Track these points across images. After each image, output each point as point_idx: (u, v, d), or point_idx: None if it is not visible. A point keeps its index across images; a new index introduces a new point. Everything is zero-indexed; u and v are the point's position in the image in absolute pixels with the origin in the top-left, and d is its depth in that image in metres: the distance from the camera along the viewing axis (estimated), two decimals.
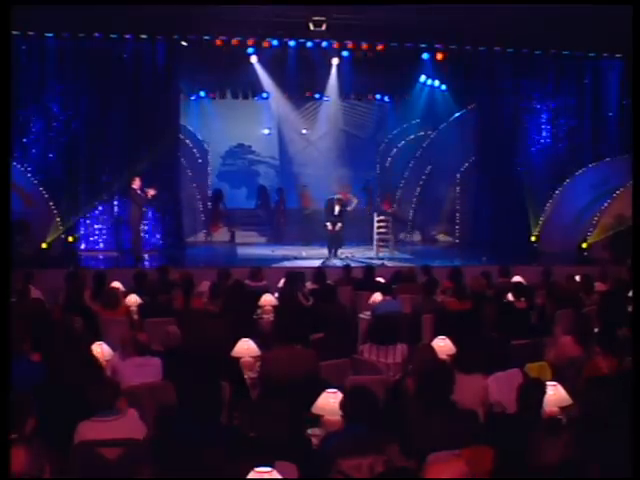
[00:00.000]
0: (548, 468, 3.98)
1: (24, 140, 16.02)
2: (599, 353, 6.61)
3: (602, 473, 4.08)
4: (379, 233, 16.95)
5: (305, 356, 6.78)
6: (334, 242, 16.31)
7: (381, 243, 16.95)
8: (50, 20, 14.68)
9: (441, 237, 20.20)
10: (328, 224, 16.30)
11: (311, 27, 15.26)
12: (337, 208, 16.38)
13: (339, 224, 16.29)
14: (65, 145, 16.40)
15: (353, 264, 14.19)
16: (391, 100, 20.26)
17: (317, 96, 19.75)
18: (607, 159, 16.91)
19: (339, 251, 16.37)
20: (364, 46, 16.84)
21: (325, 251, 16.32)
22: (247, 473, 3.93)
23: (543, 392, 5.32)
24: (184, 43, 16.41)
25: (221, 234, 19.64)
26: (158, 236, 16.87)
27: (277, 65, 17.25)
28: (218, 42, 16.32)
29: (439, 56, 17.11)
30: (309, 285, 11.17)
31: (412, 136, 20.01)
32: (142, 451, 4.98)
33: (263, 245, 18.47)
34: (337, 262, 15.42)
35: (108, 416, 5.16)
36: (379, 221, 17.00)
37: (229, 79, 18.71)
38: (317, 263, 14.75)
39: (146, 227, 16.58)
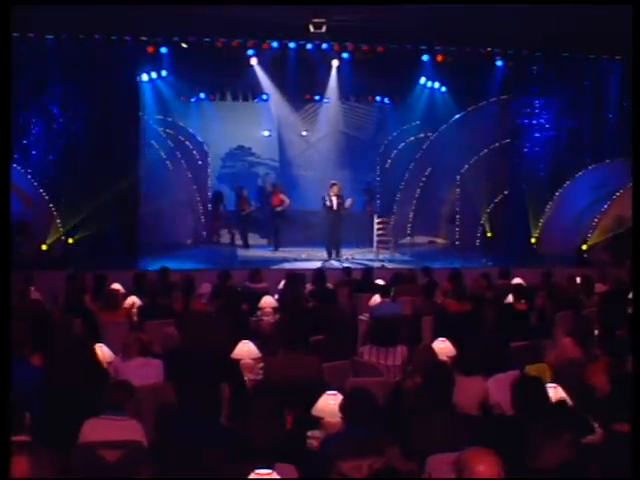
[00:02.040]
0: (547, 469, 3.98)
1: (24, 142, 16.01)
2: (599, 355, 6.62)
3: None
4: (379, 235, 16.93)
5: (309, 363, 6.77)
6: (334, 234, 16.30)
7: (381, 245, 16.92)
8: (50, 21, 14.67)
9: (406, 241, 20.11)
10: (326, 199, 16.37)
11: (311, 29, 15.25)
12: (334, 200, 16.37)
13: (349, 200, 16.46)
14: (65, 147, 16.41)
15: (353, 266, 14.18)
16: (391, 102, 20.25)
17: (317, 98, 19.74)
18: (607, 161, 16.91)
19: (341, 252, 16.37)
20: (364, 48, 16.86)
21: (323, 253, 16.28)
22: (247, 475, 3.93)
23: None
24: (184, 45, 16.43)
25: (221, 236, 19.64)
26: None
27: (277, 67, 17.25)
28: (218, 44, 16.35)
29: (439, 58, 17.10)
30: (308, 287, 11.18)
31: (412, 138, 20.00)
32: (143, 453, 4.99)
33: (263, 247, 18.45)
34: (336, 263, 15.43)
35: (117, 416, 5.19)
36: (379, 222, 16.96)
37: (229, 81, 18.70)
38: (317, 265, 14.76)
39: None
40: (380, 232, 16.96)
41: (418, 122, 19.77)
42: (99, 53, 16.19)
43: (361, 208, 20.28)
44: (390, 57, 16.82)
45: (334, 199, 16.36)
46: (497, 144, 18.50)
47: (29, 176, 15.67)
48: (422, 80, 18.68)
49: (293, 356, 6.75)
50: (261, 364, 7.16)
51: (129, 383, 5.56)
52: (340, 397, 5.36)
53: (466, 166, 19.06)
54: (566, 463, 3.98)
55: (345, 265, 14.65)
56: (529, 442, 4.24)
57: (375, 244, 16.86)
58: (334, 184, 16.60)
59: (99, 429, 5.11)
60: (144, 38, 16.22)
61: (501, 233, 18.66)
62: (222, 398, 5.34)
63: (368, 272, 12.49)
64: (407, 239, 19.95)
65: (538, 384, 5.34)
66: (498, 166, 18.36)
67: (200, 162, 19.59)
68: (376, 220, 17.05)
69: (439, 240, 20.07)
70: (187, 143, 19.36)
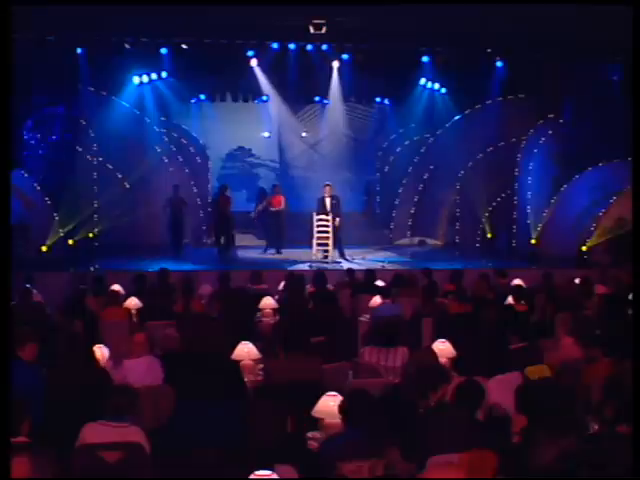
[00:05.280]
0: (547, 469, 3.99)
1: (24, 143, 16.01)
2: (600, 355, 6.62)
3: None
4: (319, 237, 16.05)
5: (309, 364, 6.76)
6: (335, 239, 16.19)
7: (320, 247, 16.07)
8: (51, 23, 14.67)
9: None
10: (315, 216, 15.95)
11: (311, 30, 15.26)
12: (328, 201, 16.26)
13: (337, 219, 16.01)
14: (66, 148, 16.43)
15: (354, 267, 14.16)
16: (391, 103, 20.26)
17: (317, 99, 19.77)
18: (607, 162, 16.90)
19: (345, 252, 16.33)
20: (364, 49, 16.87)
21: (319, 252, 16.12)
22: (247, 475, 3.93)
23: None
24: (184, 46, 16.45)
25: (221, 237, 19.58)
26: None
27: (277, 68, 17.27)
28: (218, 45, 16.36)
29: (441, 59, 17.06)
30: (309, 288, 11.18)
31: (412, 139, 20.01)
32: (142, 454, 4.97)
33: (263, 248, 18.41)
34: (335, 264, 15.41)
35: (117, 422, 5.10)
36: (318, 220, 16.06)
37: (229, 82, 18.72)
38: (316, 266, 14.80)
39: None
40: (320, 235, 16.06)
41: (418, 123, 19.77)
42: (100, 54, 16.21)
43: (361, 208, 20.34)
44: (390, 58, 16.83)
45: (327, 200, 16.28)
46: (497, 144, 18.49)
47: (29, 177, 15.66)
48: (422, 81, 18.69)
49: (293, 357, 6.74)
50: (261, 365, 7.16)
51: (131, 388, 5.45)
52: (340, 398, 5.36)
53: (467, 167, 19.05)
54: (565, 462, 3.98)
55: (344, 265, 14.70)
56: (529, 442, 4.25)
57: (315, 244, 16.04)
58: (327, 185, 16.48)
59: (98, 434, 5.03)
60: (144, 39, 16.24)
61: (501, 234, 18.67)
62: (222, 399, 5.34)
63: (370, 273, 12.47)
64: (407, 240, 19.96)
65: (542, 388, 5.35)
66: (498, 167, 18.35)
67: (200, 163, 19.58)
68: (315, 217, 16.03)
69: (439, 241, 20.06)
70: (187, 144, 19.36)
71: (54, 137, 16.37)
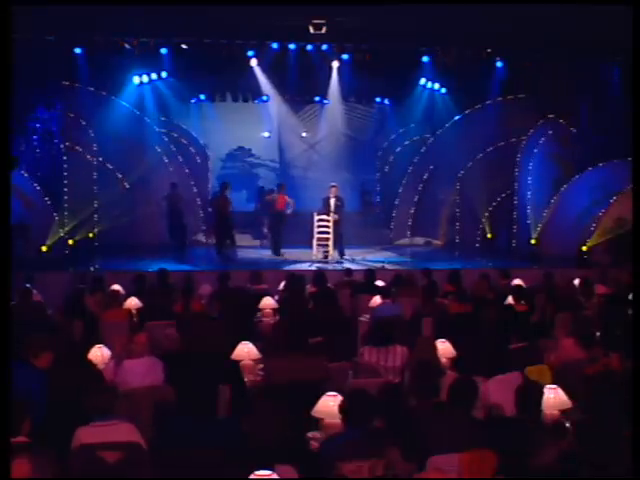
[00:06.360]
0: (547, 469, 3.99)
1: (25, 143, 16.02)
2: (601, 355, 6.62)
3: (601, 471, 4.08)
4: (319, 237, 16.12)
5: (309, 364, 6.76)
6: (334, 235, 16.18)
7: (320, 247, 16.13)
8: (52, 23, 14.68)
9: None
10: (315, 216, 15.98)
11: (311, 30, 15.27)
12: (332, 202, 16.27)
13: (336, 215, 16.00)
14: (66, 148, 16.44)
15: (353, 267, 14.17)
16: (391, 103, 20.29)
17: (317, 99, 19.79)
18: (607, 162, 16.90)
19: (344, 252, 16.31)
20: (364, 49, 16.88)
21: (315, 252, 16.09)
22: (247, 475, 3.93)
23: (541, 394, 5.33)
24: (184, 46, 16.46)
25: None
26: None
27: (277, 68, 17.28)
28: (218, 45, 16.37)
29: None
30: (309, 288, 11.18)
31: (412, 139, 20.02)
32: (141, 454, 4.97)
33: (263, 248, 18.42)
34: (335, 264, 15.39)
35: (106, 421, 5.08)
36: (319, 220, 16.11)
37: (229, 82, 18.76)
38: (316, 266, 14.79)
39: None
40: (321, 231, 16.10)
41: (418, 123, 19.79)
42: (99, 54, 16.22)
43: (361, 208, 20.35)
44: (390, 58, 16.83)
45: (332, 201, 16.29)
46: (497, 144, 18.50)
47: (29, 177, 15.66)
48: (422, 81, 18.71)
49: (293, 357, 6.74)
50: (261, 365, 7.16)
51: (112, 386, 5.46)
52: (340, 398, 5.36)
53: (467, 167, 19.05)
54: (565, 462, 3.99)
55: (344, 265, 14.69)
56: (530, 441, 4.25)
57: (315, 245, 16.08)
58: (333, 186, 16.50)
59: (91, 437, 5.01)
60: (144, 39, 16.25)
61: (501, 234, 18.68)
62: (222, 399, 5.34)
63: (370, 273, 12.48)
64: (407, 240, 19.95)
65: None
66: (498, 167, 18.35)
67: (200, 163, 19.57)
68: (316, 217, 16.14)
69: (439, 241, 20.05)
70: (187, 144, 19.36)
71: (54, 137, 16.36)
